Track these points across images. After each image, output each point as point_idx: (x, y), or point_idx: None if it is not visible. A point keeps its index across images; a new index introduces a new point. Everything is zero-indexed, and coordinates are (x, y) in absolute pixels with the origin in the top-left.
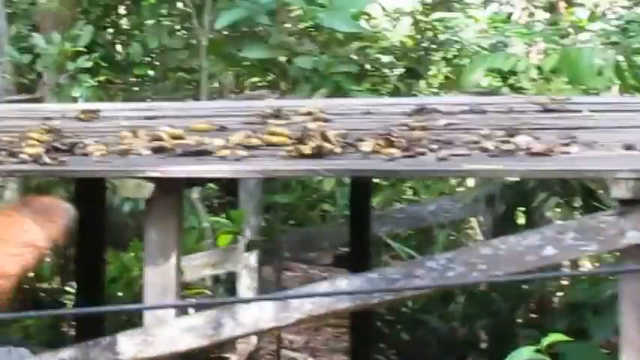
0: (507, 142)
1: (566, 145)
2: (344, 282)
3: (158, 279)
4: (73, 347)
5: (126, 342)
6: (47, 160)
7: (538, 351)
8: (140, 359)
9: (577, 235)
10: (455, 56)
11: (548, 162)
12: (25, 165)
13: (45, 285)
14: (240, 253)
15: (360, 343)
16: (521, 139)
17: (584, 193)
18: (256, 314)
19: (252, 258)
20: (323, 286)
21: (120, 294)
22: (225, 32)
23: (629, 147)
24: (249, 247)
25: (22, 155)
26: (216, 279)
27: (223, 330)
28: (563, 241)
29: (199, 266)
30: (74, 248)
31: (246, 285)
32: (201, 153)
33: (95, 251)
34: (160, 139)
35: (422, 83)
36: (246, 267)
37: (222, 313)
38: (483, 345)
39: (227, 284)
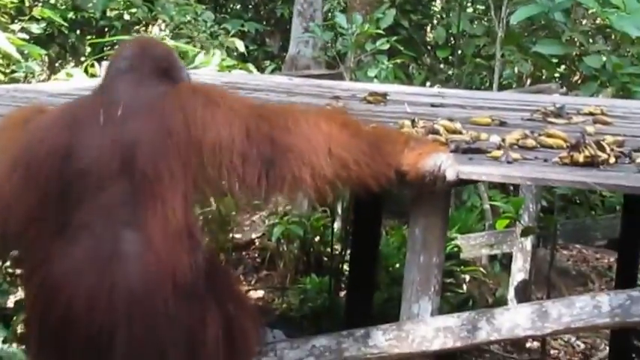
0: None
1: None
2: (605, 298)
3: (419, 276)
4: (325, 336)
5: (379, 336)
6: None
7: None
8: (392, 355)
9: None
10: None
11: None
12: None
13: (328, 250)
14: (516, 237)
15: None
16: None
17: None
18: (513, 320)
19: (528, 243)
20: (582, 299)
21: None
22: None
23: None
24: (524, 233)
25: None
26: (492, 258)
27: (479, 334)
28: None
29: (477, 245)
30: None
31: (519, 266)
32: (473, 151)
33: (372, 219)
34: (437, 132)
35: None
36: (522, 250)
37: (479, 317)
38: None
39: (502, 264)
